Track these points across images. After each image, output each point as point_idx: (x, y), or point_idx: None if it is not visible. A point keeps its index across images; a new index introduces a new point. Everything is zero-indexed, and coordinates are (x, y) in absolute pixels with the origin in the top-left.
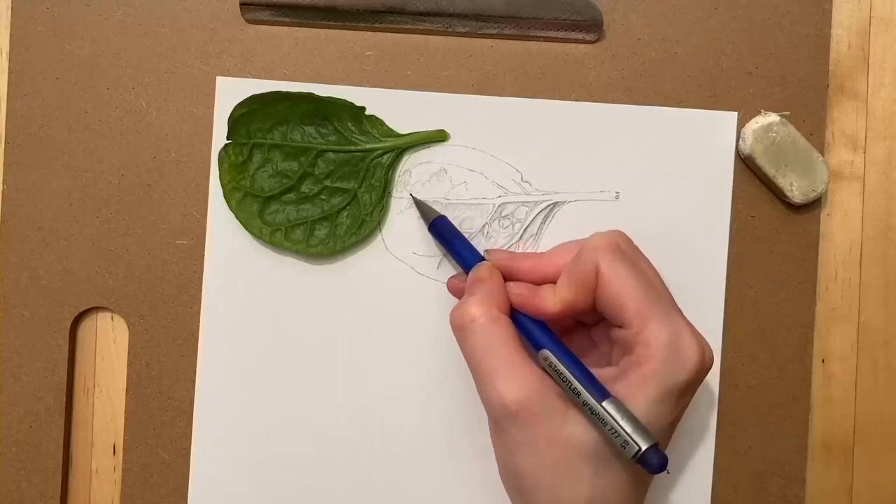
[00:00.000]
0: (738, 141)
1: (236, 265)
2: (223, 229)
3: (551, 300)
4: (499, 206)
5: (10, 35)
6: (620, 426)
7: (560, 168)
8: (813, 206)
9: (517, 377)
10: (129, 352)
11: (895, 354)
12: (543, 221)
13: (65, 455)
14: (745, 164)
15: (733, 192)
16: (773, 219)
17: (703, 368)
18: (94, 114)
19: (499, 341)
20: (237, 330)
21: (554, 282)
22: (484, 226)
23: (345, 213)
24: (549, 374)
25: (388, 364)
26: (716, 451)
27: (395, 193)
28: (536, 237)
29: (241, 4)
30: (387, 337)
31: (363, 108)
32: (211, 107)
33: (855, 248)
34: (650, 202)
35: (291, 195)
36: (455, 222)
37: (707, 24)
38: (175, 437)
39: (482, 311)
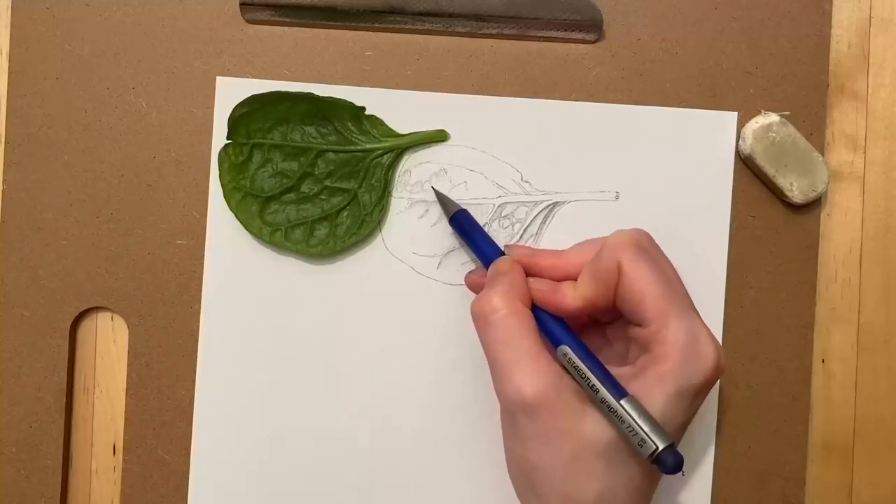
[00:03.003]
0: (738, 141)
1: (236, 265)
2: (223, 229)
3: (572, 296)
4: (499, 206)
5: (10, 35)
6: (638, 425)
7: (560, 168)
8: (813, 206)
9: (536, 371)
10: (129, 352)
11: (895, 354)
12: (543, 221)
13: (65, 455)
14: (745, 164)
15: (733, 192)
16: (773, 219)
17: (719, 370)
18: (94, 114)
19: (520, 334)
20: (237, 330)
21: (573, 279)
22: (484, 226)
23: (345, 213)
24: (566, 371)
25: (388, 364)
26: (716, 451)
27: (395, 193)
28: (536, 237)
29: (241, 4)
30: (387, 337)
31: (363, 108)
32: (211, 107)
33: (855, 248)
34: (650, 202)
35: (291, 195)
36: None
37: (707, 24)
38: (175, 437)
39: (504, 302)
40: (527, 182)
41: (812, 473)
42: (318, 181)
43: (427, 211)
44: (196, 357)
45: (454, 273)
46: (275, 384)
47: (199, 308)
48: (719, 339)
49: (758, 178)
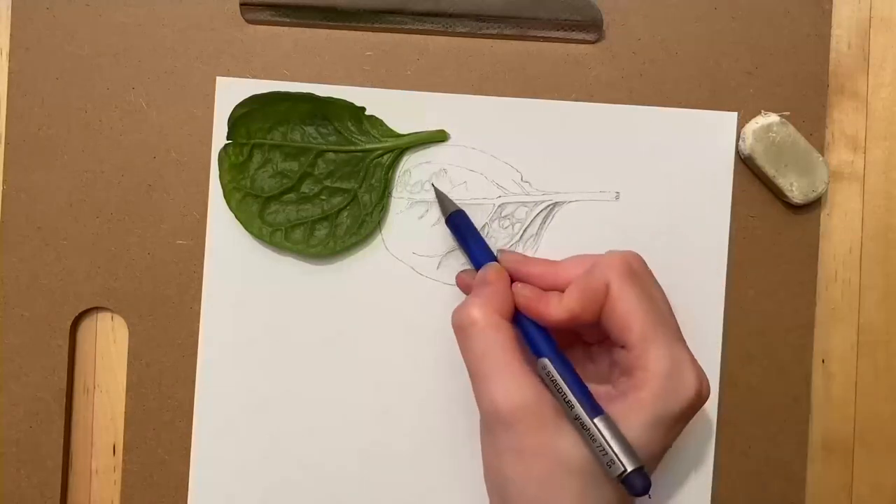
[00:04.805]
0: (738, 141)
1: (236, 265)
2: (223, 229)
3: (556, 307)
4: (499, 206)
5: (10, 35)
6: (609, 444)
7: (560, 168)
8: (813, 206)
9: (513, 384)
10: (129, 352)
11: (895, 354)
12: (543, 221)
13: (65, 455)
14: (745, 165)
15: (733, 192)
16: (773, 219)
17: (700, 400)
18: (94, 114)
19: (498, 346)
20: (237, 330)
21: (562, 290)
22: (484, 226)
23: (345, 214)
24: (545, 384)
25: (388, 364)
26: (716, 451)
27: (395, 193)
28: (536, 237)
29: (241, 4)
30: (387, 337)
31: (363, 108)
32: (211, 107)
33: (855, 248)
34: (650, 202)
35: (291, 195)
36: None
37: (707, 25)
38: (175, 437)
39: (483, 314)
40: (527, 182)
41: (812, 473)
42: (318, 181)
43: (427, 211)
44: (196, 357)
45: (454, 273)
46: (274, 384)
47: (199, 308)
48: (719, 338)
49: (758, 179)
